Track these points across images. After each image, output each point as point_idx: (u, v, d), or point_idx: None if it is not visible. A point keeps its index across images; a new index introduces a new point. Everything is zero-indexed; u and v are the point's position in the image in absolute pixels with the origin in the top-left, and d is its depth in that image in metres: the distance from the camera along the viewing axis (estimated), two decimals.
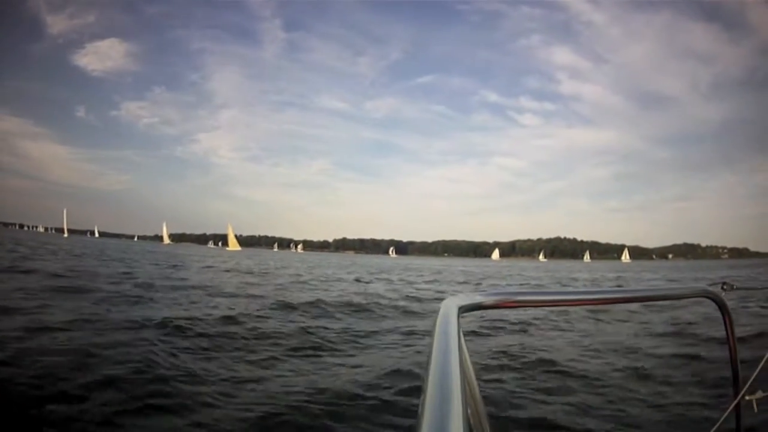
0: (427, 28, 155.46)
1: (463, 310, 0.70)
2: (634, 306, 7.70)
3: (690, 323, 6.68)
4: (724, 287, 1.29)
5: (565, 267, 53.71)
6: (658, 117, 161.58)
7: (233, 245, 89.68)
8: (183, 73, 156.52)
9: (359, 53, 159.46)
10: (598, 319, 7.44)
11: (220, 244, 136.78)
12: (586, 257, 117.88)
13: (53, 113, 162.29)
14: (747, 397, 1.24)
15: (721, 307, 1.22)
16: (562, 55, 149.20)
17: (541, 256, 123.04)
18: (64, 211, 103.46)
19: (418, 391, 0.40)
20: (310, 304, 8.43)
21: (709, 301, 1.21)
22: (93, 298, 7.60)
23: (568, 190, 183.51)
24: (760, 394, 1.26)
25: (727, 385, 1.30)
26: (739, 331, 1.31)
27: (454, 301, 0.70)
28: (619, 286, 15.84)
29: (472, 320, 6.35)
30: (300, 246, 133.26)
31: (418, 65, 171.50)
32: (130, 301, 7.54)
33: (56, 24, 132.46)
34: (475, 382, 0.65)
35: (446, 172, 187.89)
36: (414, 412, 0.38)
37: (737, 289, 1.31)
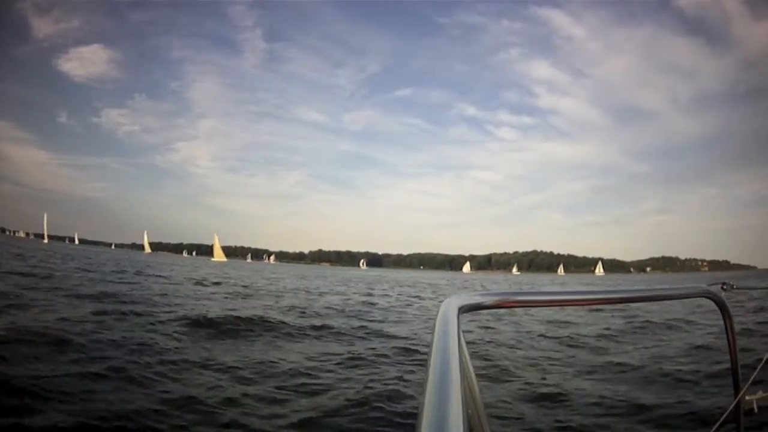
0: (407, 41, 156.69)
1: (463, 310, 0.69)
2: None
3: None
4: (724, 287, 1.28)
5: (526, 280, 52.85)
6: (637, 131, 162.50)
7: (219, 256, 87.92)
8: (163, 81, 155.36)
9: (338, 65, 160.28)
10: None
11: (194, 253, 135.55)
12: (560, 270, 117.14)
13: (36, 118, 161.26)
14: (747, 397, 1.24)
15: (721, 307, 1.21)
16: (541, 68, 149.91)
17: (514, 269, 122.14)
18: (44, 217, 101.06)
19: (418, 391, 0.42)
20: None
21: (709, 301, 1.21)
22: None
23: (546, 203, 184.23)
24: (760, 394, 1.26)
25: (727, 385, 1.29)
26: (739, 331, 1.31)
27: (454, 301, 0.69)
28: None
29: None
30: (272, 257, 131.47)
31: (397, 78, 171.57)
32: None
33: (42, 27, 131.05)
34: (475, 382, 0.65)
35: (423, 185, 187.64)
36: (414, 412, 0.37)
37: (737, 289, 1.31)
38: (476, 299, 0.77)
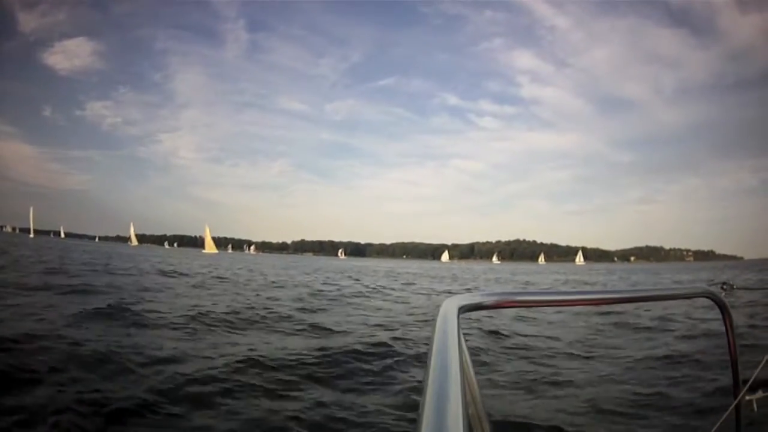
0: (389, 30, 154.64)
1: (463, 310, 0.70)
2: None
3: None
4: (724, 287, 1.29)
5: (505, 269, 52.97)
6: (621, 120, 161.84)
7: (210, 248, 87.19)
8: (147, 73, 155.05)
9: (321, 55, 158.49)
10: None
11: (175, 244, 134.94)
12: (541, 259, 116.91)
13: (21, 112, 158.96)
14: (747, 397, 1.25)
15: (721, 307, 1.21)
16: (523, 58, 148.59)
17: (494, 258, 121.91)
18: (31, 211, 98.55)
19: (418, 390, 0.41)
20: None
21: (709, 301, 1.21)
22: None
23: (528, 192, 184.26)
24: (760, 394, 1.27)
25: (727, 385, 1.30)
26: (739, 331, 1.30)
27: (454, 301, 0.70)
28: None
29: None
30: (253, 247, 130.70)
31: (379, 68, 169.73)
32: None
33: (28, 22, 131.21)
34: (475, 382, 0.65)
35: (405, 174, 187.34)
36: (414, 412, 0.37)
37: (737, 289, 1.32)
38: (476, 299, 0.77)
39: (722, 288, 1.27)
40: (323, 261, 65.03)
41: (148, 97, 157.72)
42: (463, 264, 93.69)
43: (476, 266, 74.09)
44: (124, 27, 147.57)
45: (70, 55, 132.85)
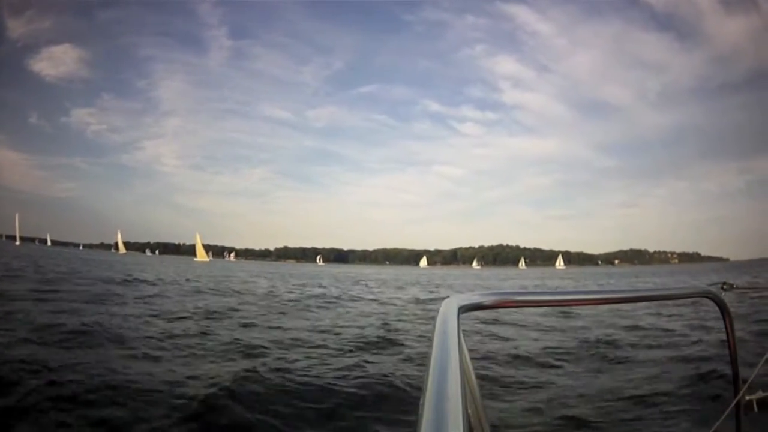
0: (372, 37, 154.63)
1: (463, 310, 0.69)
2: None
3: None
4: (724, 287, 1.29)
5: (485, 274, 52.74)
6: (604, 125, 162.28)
7: (201, 256, 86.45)
8: (131, 80, 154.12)
9: (303, 62, 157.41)
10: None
11: (157, 252, 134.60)
12: (521, 264, 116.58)
13: (8, 118, 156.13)
14: (747, 397, 1.25)
15: (721, 307, 1.22)
16: (505, 64, 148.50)
17: (474, 264, 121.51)
18: (16, 218, 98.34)
19: (418, 390, 0.41)
20: None
21: (709, 301, 1.22)
22: None
23: (512, 197, 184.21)
24: (760, 394, 1.27)
25: (727, 385, 1.32)
26: (738, 331, 1.31)
27: (454, 301, 0.70)
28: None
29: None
30: (233, 254, 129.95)
31: (361, 75, 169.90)
32: None
33: (16, 27, 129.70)
34: (475, 382, 0.66)
35: (387, 180, 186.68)
36: (414, 412, 0.37)
37: (737, 289, 1.32)
38: (476, 299, 0.77)
39: (722, 288, 1.25)
40: (299, 268, 64.74)
41: (131, 104, 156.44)
42: (444, 270, 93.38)
43: (457, 271, 73.90)
44: (109, 34, 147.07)
45: (56, 62, 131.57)
